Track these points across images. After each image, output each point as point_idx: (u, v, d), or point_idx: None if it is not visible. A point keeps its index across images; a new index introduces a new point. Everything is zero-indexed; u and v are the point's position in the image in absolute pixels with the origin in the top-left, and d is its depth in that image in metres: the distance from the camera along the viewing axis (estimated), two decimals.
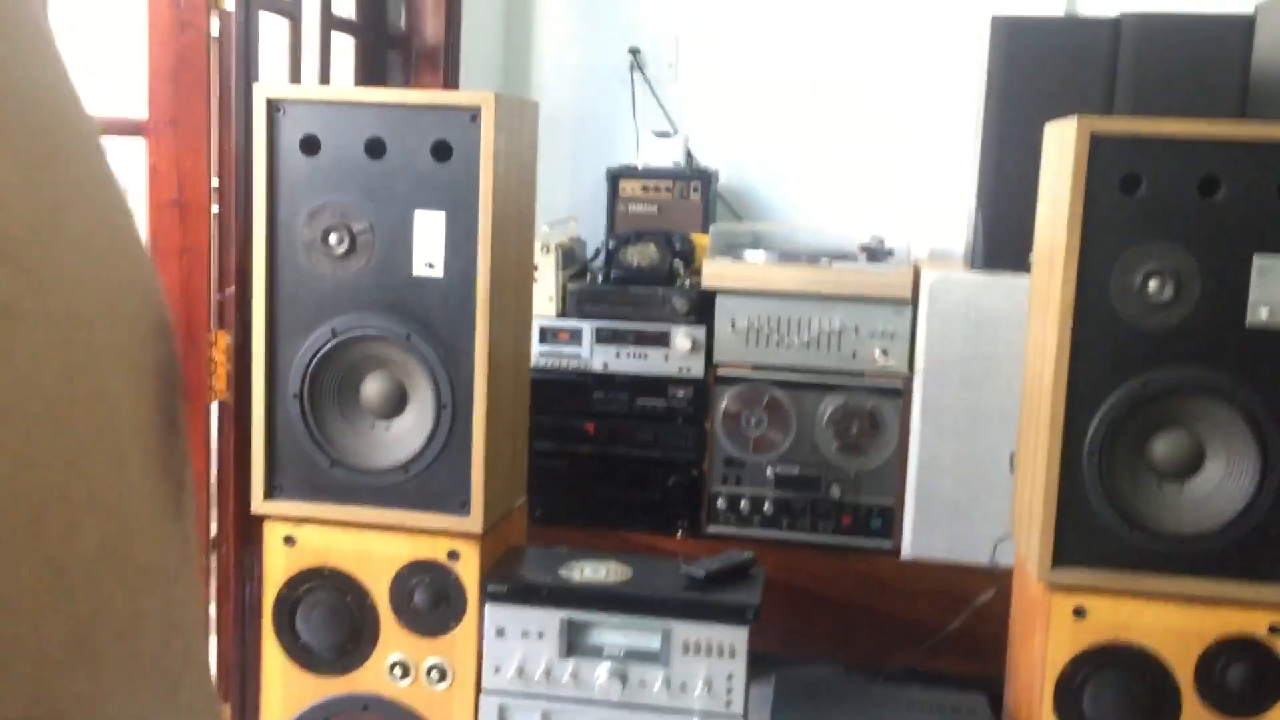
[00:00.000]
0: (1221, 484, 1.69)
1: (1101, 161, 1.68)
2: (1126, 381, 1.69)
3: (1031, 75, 2.37)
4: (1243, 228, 1.67)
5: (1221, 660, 1.70)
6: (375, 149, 1.77)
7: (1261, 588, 1.68)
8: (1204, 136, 1.67)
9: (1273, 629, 1.69)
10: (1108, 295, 1.69)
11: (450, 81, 2.74)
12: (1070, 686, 1.75)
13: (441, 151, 1.76)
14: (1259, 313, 1.67)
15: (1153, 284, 1.68)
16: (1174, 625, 1.71)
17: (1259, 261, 1.67)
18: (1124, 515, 1.70)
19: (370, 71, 2.67)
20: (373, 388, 1.83)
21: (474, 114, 1.74)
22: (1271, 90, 2.34)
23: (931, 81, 2.87)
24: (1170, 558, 1.70)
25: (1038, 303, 1.88)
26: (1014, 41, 2.39)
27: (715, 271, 2.46)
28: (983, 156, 2.45)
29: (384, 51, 2.72)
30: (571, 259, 2.63)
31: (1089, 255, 1.69)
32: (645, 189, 2.77)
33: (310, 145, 1.80)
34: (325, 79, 2.41)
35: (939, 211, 2.81)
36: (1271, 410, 1.66)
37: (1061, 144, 1.75)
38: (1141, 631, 1.72)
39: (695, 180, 2.77)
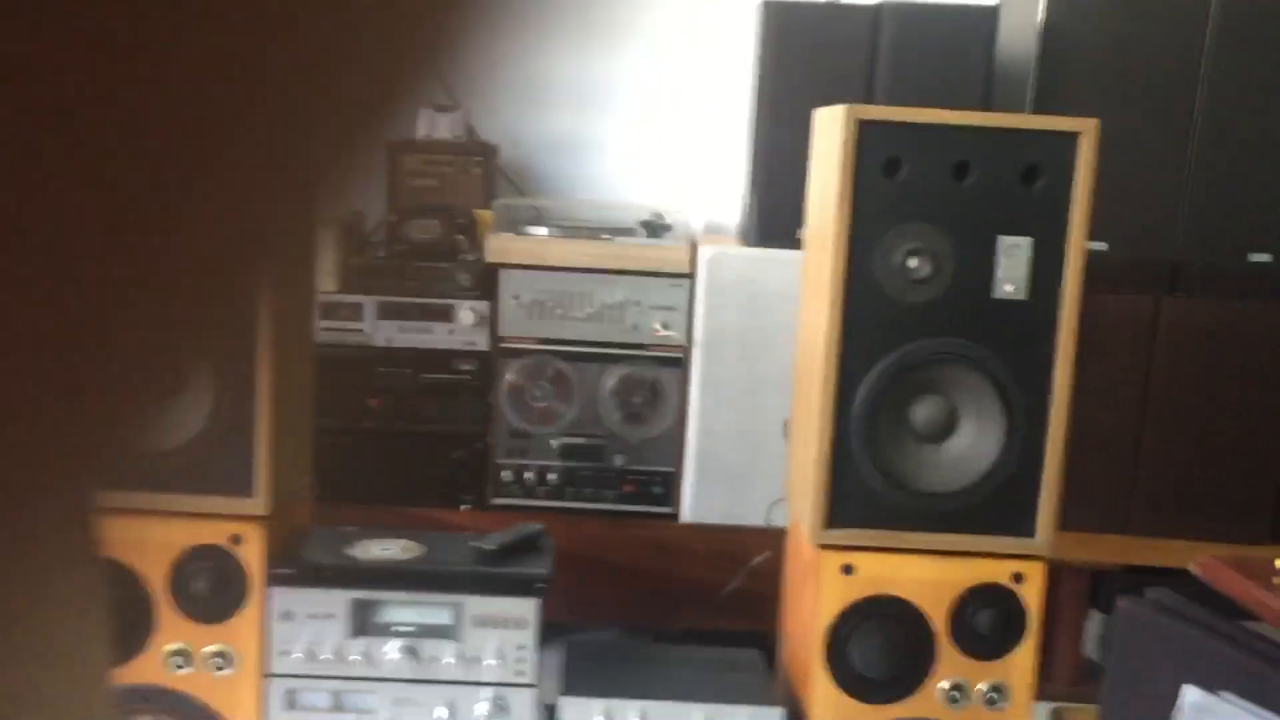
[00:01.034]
0: (973, 445, 1.84)
1: (867, 145, 1.79)
2: (890, 352, 1.81)
3: (799, 57, 2.49)
4: (989, 210, 1.81)
5: (972, 607, 1.86)
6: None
7: (1006, 540, 1.85)
8: (956, 125, 1.81)
9: (1016, 576, 1.86)
10: (873, 272, 1.81)
11: None
12: (839, 637, 1.87)
13: None
14: (1004, 288, 1.82)
15: (913, 262, 1.81)
16: (930, 577, 1.86)
17: (1004, 241, 1.82)
18: (888, 476, 1.83)
19: None
20: None
21: None
22: (1013, 76, 2.53)
23: (708, 58, 2.96)
24: (928, 515, 1.84)
25: (810, 277, 1.99)
26: (782, 25, 2.50)
27: (499, 247, 2.48)
28: (755, 135, 2.55)
29: None
30: (351, 234, 2.58)
31: (856, 235, 1.80)
32: (426, 163, 2.74)
33: None
34: None
35: (716, 186, 2.90)
36: (1015, 376, 1.82)
37: (830, 129, 1.85)
38: (902, 585, 1.86)
39: (477, 154, 2.76)
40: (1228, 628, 1.51)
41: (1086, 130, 1.79)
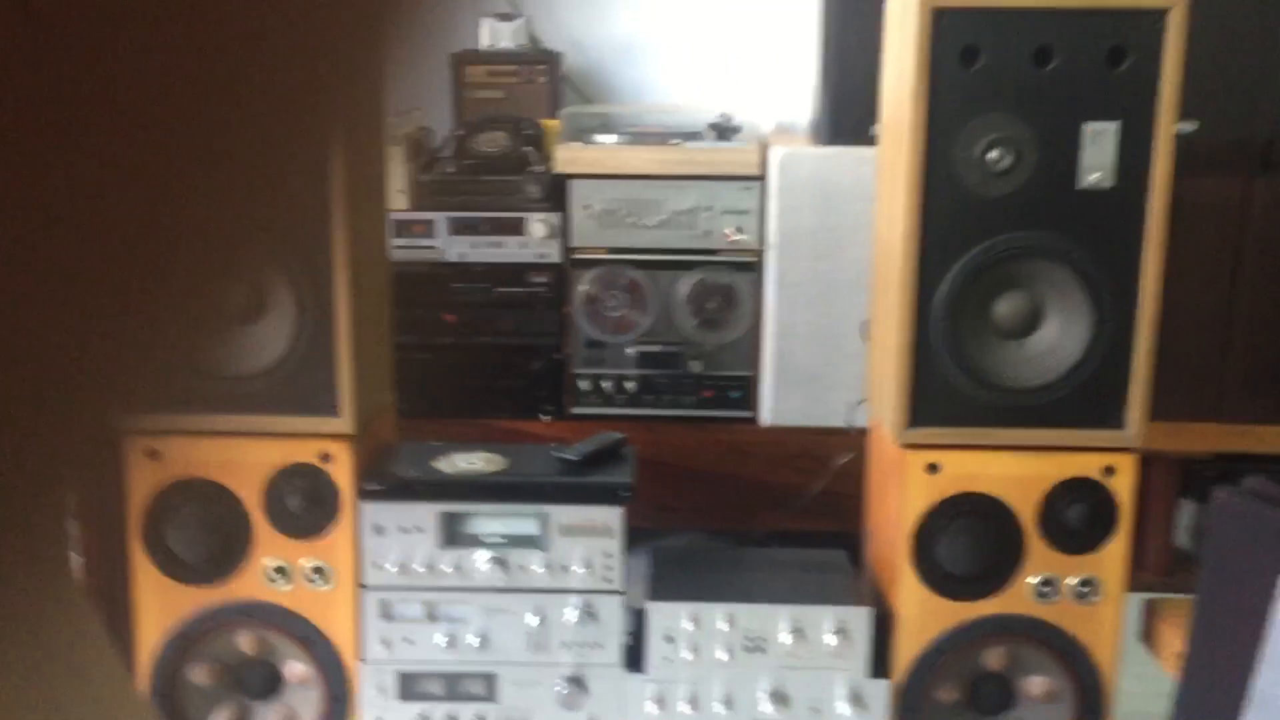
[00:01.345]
0: (1059, 339, 1.80)
1: (942, 35, 1.73)
2: (970, 248, 1.77)
3: None
4: (1073, 95, 1.75)
5: (1061, 502, 1.84)
6: None
7: (1095, 433, 1.81)
8: (1036, 8, 1.73)
9: (1106, 470, 1.83)
10: (952, 166, 1.76)
11: None
12: (926, 537, 1.87)
13: None
14: (1089, 177, 1.77)
15: (993, 154, 1.76)
16: (1018, 473, 1.84)
17: (1088, 127, 1.76)
18: (971, 374, 1.80)
19: None
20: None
21: None
22: None
23: None
24: (1014, 411, 1.81)
25: (885, 173, 1.95)
26: None
27: (567, 157, 2.45)
28: (824, 28, 2.48)
29: None
30: (419, 149, 2.57)
31: (933, 128, 1.75)
32: (491, 73, 2.71)
33: None
34: None
35: (784, 84, 2.84)
36: (1101, 268, 1.77)
37: (903, 18, 1.79)
38: (989, 482, 1.84)
39: (541, 63, 2.72)
40: None
41: (1176, 5, 1.71)
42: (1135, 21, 1.73)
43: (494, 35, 2.79)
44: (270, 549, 1.88)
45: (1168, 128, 1.75)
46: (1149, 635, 1.98)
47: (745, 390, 2.50)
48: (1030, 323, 1.81)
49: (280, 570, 1.88)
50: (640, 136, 2.54)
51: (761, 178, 2.43)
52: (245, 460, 1.85)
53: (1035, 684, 1.92)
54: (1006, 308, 1.80)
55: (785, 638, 1.88)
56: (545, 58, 2.75)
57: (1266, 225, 2.43)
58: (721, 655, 1.89)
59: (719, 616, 1.89)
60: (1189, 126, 2.32)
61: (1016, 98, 1.74)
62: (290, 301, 1.79)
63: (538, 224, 2.44)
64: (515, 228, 2.45)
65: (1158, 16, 1.72)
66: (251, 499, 1.86)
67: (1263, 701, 1.39)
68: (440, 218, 2.46)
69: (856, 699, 1.89)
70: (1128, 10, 1.73)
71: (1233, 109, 2.41)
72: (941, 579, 1.88)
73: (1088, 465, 1.83)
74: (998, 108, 1.75)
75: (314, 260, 1.77)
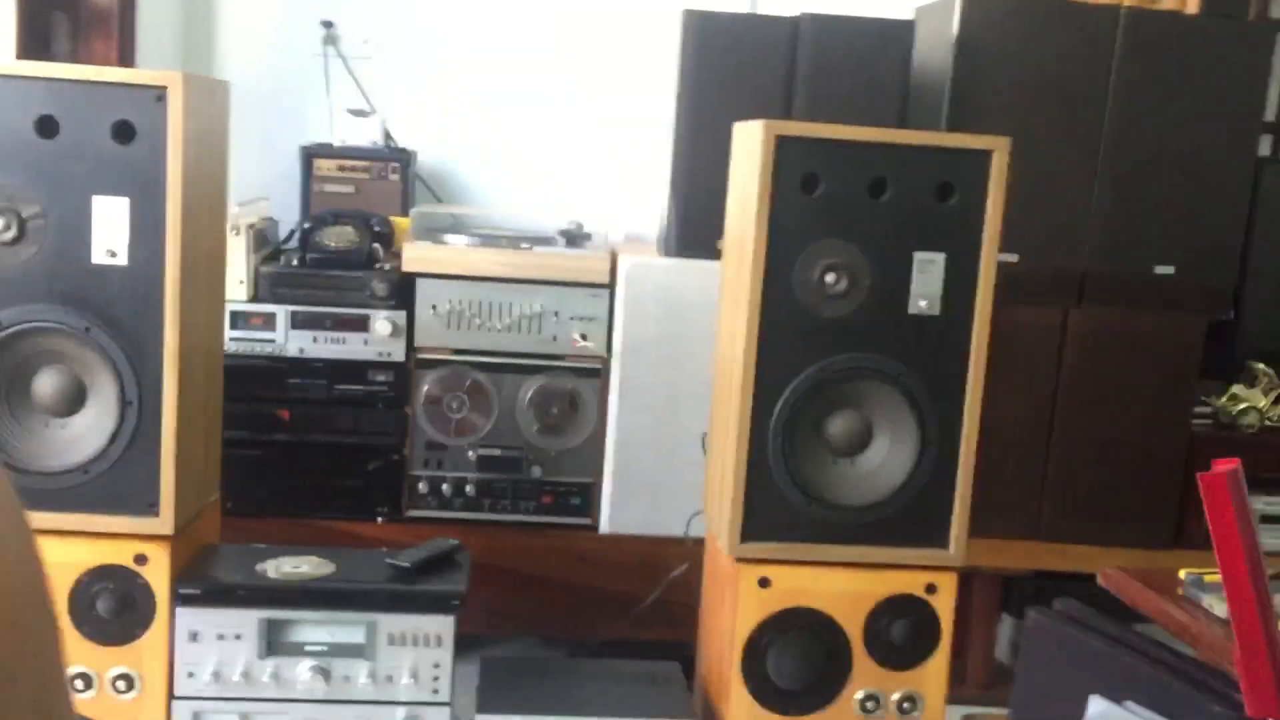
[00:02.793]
0: (887, 459, 1.86)
1: (785, 161, 1.80)
2: (807, 367, 1.82)
3: (720, 67, 2.49)
4: (905, 226, 1.83)
5: (886, 618, 1.88)
6: (47, 128, 1.64)
7: (920, 551, 1.87)
8: (872, 140, 1.82)
9: (929, 587, 1.89)
10: (790, 286, 1.82)
11: (125, 49, 2.56)
12: (756, 649, 1.88)
13: (123, 132, 1.65)
14: (919, 304, 1.85)
15: (829, 277, 1.82)
16: (846, 589, 1.88)
17: (919, 257, 1.84)
18: (804, 490, 1.84)
19: (34, 36, 2.45)
20: (46, 384, 1.71)
21: (159, 94, 1.64)
22: (929, 88, 2.56)
23: (628, 68, 2.95)
24: (844, 528, 1.86)
25: (728, 291, 2.00)
26: (703, 34, 2.50)
27: (416, 255, 2.44)
28: (676, 145, 2.55)
29: (48, 14, 2.50)
30: (264, 240, 2.53)
31: (775, 250, 1.80)
32: (341, 168, 2.70)
33: None
34: None
35: (635, 196, 2.90)
36: (929, 390, 1.85)
37: (749, 144, 1.86)
38: (818, 597, 1.87)
39: (394, 160, 2.72)
40: (1132, 638, 1.54)
41: (999, 148, 1.82)
42: (962, 160, 1.83)
43: (347, 131, 2.78)
44: (75, 657, 1.77)
45: (991, 259, 1.85)
46: None
47: (585, 497, 2.50)
48: (861, 441, 1.87)
49: (84, 678, 1.77)
50: (491, 239, 2.55)
51: (610, 285, 2.47)
52: (51, 561, 1.74)
53: None
54: (839, 426, 1.85)
55: None
56: (398, 155, 2.75)
57: (1081, 352, 2.58)
58: None
59: None
60: (1010, 257, 2.46)
61: (853, 225, 1.82)
62: (112, 393, 1.72)
63: (383, 321, 2.42)
64: (359, 324, 2.42)
65: (983, 156, 1.83)
66: (57, 602, 1.75)
67: None
68: (281, 311, 2.41)
69: None
70: (955, 149, 1.83)
71: (1053, 241, 2.56)
72: (771, 693, 1.89)
73: (912, 582, 1.88)
74: (835, 234, 1.82)
75: (141, 347, 1.71)
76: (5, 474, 0.35)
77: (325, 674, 1.80)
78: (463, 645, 1.88)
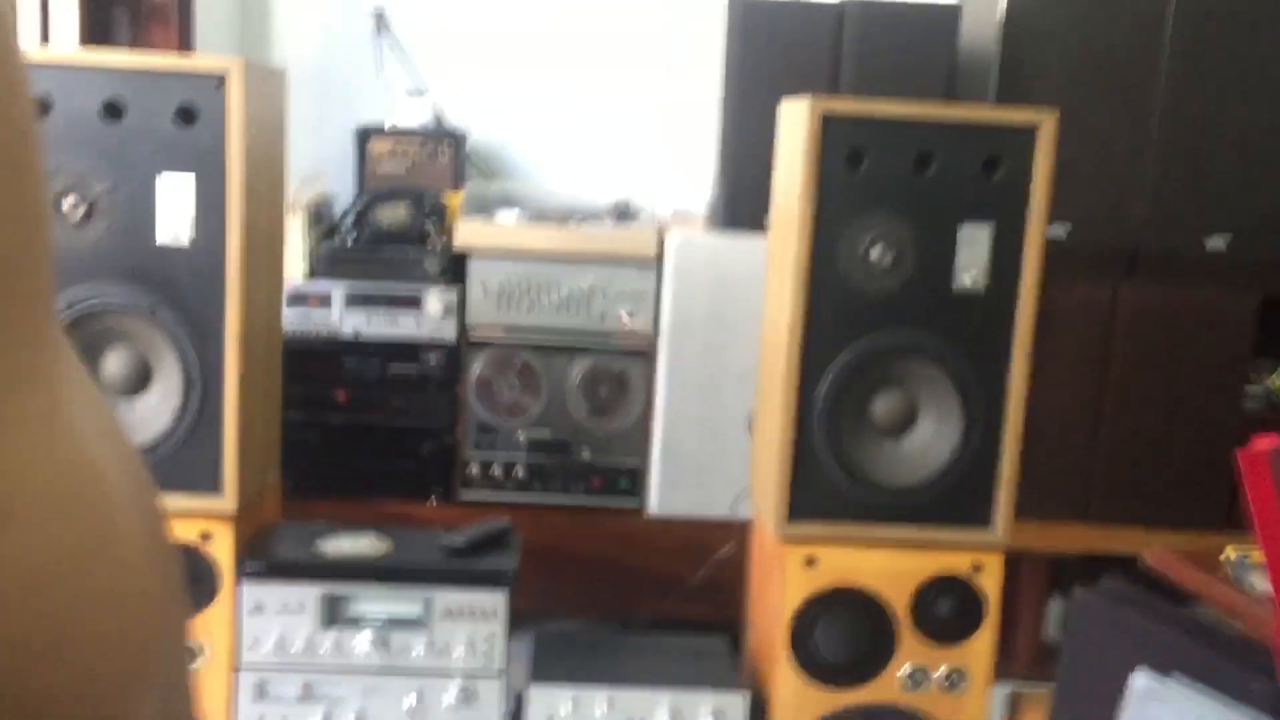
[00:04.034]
0: (932, 439, 1.87)
1: (830, 138, 1.81)
2: (852, 345, 1.84)
3: (765, 52, 2.50)
4: (951, 200, 1.84)
5: (931, 597, 1.90)
6: (113, 111, 1.69)
7: (965, 531, 1.88)
8: (917, 118, 1.83)
9: (975, 567, 1.90)
10: (836, 263, 1.83)
11: (184, 39, 2.62)
12: (803, 627, 1.91)
13: (186, 116, 1.70)
14: (963, 278, 1.85)
15: (875, 252, 1.83)
16: (892, 568, 1.90)
17: (964, 230, 1.85)
18: (849, 471, 1.86)
19: (96, 29, 2.51)
20: (114, 364, 1.77)
21: (220, 80, 1.69)
22: (974, 72, 2.56)
23: (675, 46, 2.96)
24: (889, 508, 1.87)
25: (775, 267, 2.01)
26: (749, 21, 2.51)
27: (468, 232, 2.48)
28: (723, 123, 2.56)
29: (110, 5, 2.56)
30: (320, 218, 2.58)
31: (820, 225, 1.82)
32: (395, 148, 2.74)
33: (38, 108, 1.70)
34: (45, 37, 2.26)
35: (683, 172, 2.92)
36: (974, 370, 1.85)
37: (796, 121, 1.87)
38: (865, 575, 1.89)
39: (446, 140, 2.76)
40: (1177, 615, 1.55)
41: (1045, 122, 1.82)
42: (1008, 134, 1.83)
43: (401, 111, 2.82)
44: None
45: (1038, 233, 1.85)
46: None
47: (634, 480, 2.53)
48: (906, 421, 1.88)
49: None
50: (540, 215, 2.58)
51: (658, 261, 2.49)
52: None
53: None
54: (884, 406, 1.87)
55: None
56: (450, 135, 2.79)
57: (1132, 329, 2.57)
58: None
59: (599, 700, 1.90)
60: (1060, 230, 2.45)
61: (898, 200, 1.83)
62: (176, 373, 1.77)
63: (435, 300, 2.46)
64: (412, 303, 2.47)
65: (1029, 131, 1.82)
66: None
67: None
68: (337, 290, 2.46)
69: None
70: (1001, 124, 1.83)
71: (1103, 216, 2.55)
72: (817, 667, 1.92)
73: (957, 563, 1.89)
74: (880, 208, 1.83)
75: (204, 329, 1.76)
76: (139, 457, 0.38)
77: (384, 645, 1.86)
78: (516, 622, 1.92)
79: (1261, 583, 1.55)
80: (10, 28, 0.32)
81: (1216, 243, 2.56)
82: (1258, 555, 1.52)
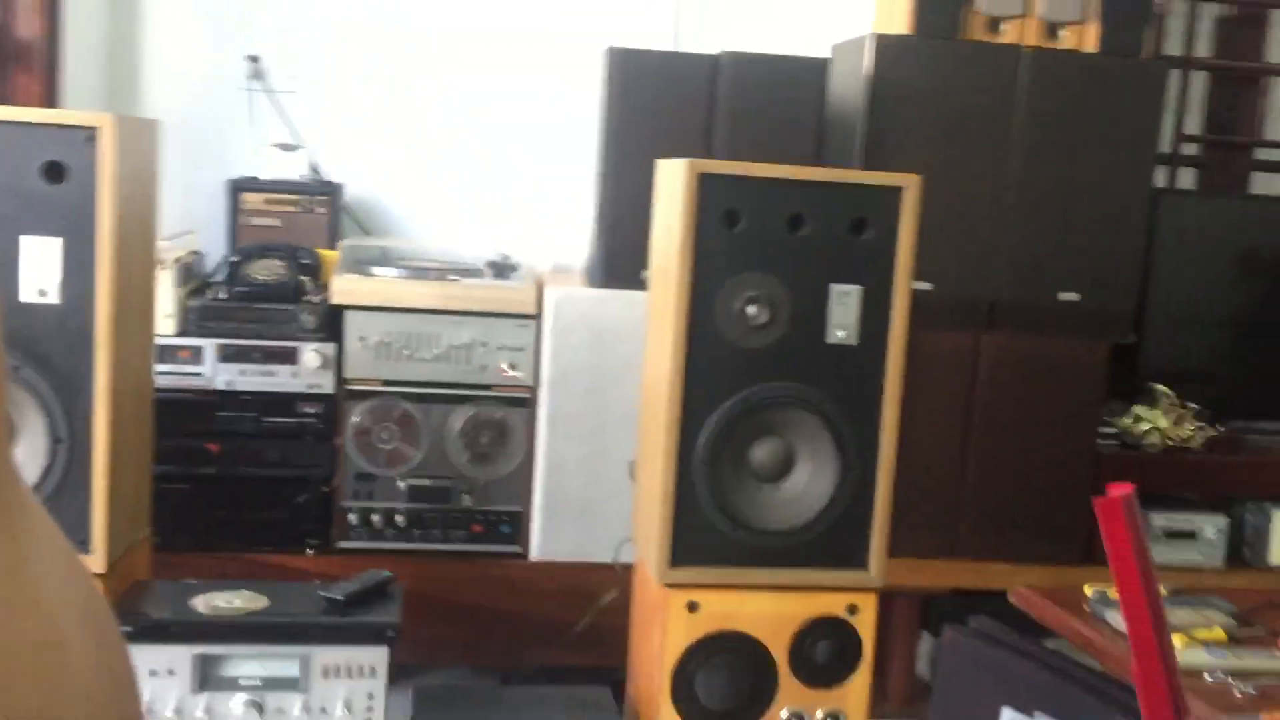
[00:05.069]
0: (809, 484, 1.93)
1: (707, 198, 1.86)
2: (730, 396, 1.89)
3: (643, 102, 2.56)
4: (822, 259, 1.91)
5: (810, 638, 1.95)
6: None
7: (842, 573, 1.94)
8: (790, 178, 1.90)
9: (850, 608, 1.95)
10: (714, 318, 1.88)
11: (50, 83, 2.55)
12: (685, 672, 1.93)
13: (54, 173, 1.66)
14: (836, 334, 1.92)
15: (751, 309, 1.89)
16: (771, 611, 1.94)
17: (835, 289, 1.92)
18: (729, 516, 1.90)
19: None
20: None
21: (90, 134, 1.66)
22: (844, 122, 2.66)
23: (553, 102, 3.00)
24: (768, 552, 1.92)
25: (654, 322, 2.05)
26: (626, 71, 2.57)
27: (344, 288, 2.47)
28: (601, 178, 2.61)
29: None
30: (190, 274, 2.53)
31: (698, 283, 1.87)
32: (269, 202, 2.71)
33: None
34: None
35: (561, 228, 2.94)
36: (848, 417, 1.92)
37: (672, 181, 1.92)
38: (745, 620, 1.93)
39: (321, 194, 2.74)
40: (1040, 653, 1.62)
41: (910, 185, 1.91)
42: (875, 196, 1.91)
43: (274, 164, 2.79)
44: None
45: (904, 289, 1.93)
46: None
47: (515, 525, 2.54)
48: (784, 468, 1.93)
49: None
50: (419, 271, 2.58)
51: (537, 316, 2.51)
52: None
53: None
54: (763, 453, 1.92)
55: None
56: (326, 188, 2.77)
57: (994, 375, 2.68)
58: None
59: None
60: (924, 285, 2.55)
61: (773, 259, 1.89)
62: (42, 432, 1.72)
63: (311, 354, 2.43)
64: (288, 357, 2.44)
65: (895, 193, 1.91)
66: None
67: None
68: (209, 344, 2.41)
69: None
70: (869, 186, 1.91)
71: (965, 270, 2.66)
72: (699, 714, 1.94)
73: (834, 604, 1.94)
74: (756, 267, 1.89)
75: (71, 385, 1.71)
76: (99, 599, 0.39)
77: (259, 708, 1.81)
78: (395, 674, 1.90)
79: (1119, 620, 1.63)
80: None
81: (1070, 295, 2.69)
82: (1115, 593, 1.60)
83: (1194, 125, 3.28)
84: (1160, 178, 3.09)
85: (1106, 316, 2.71)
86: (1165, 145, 3.05)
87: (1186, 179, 3.30)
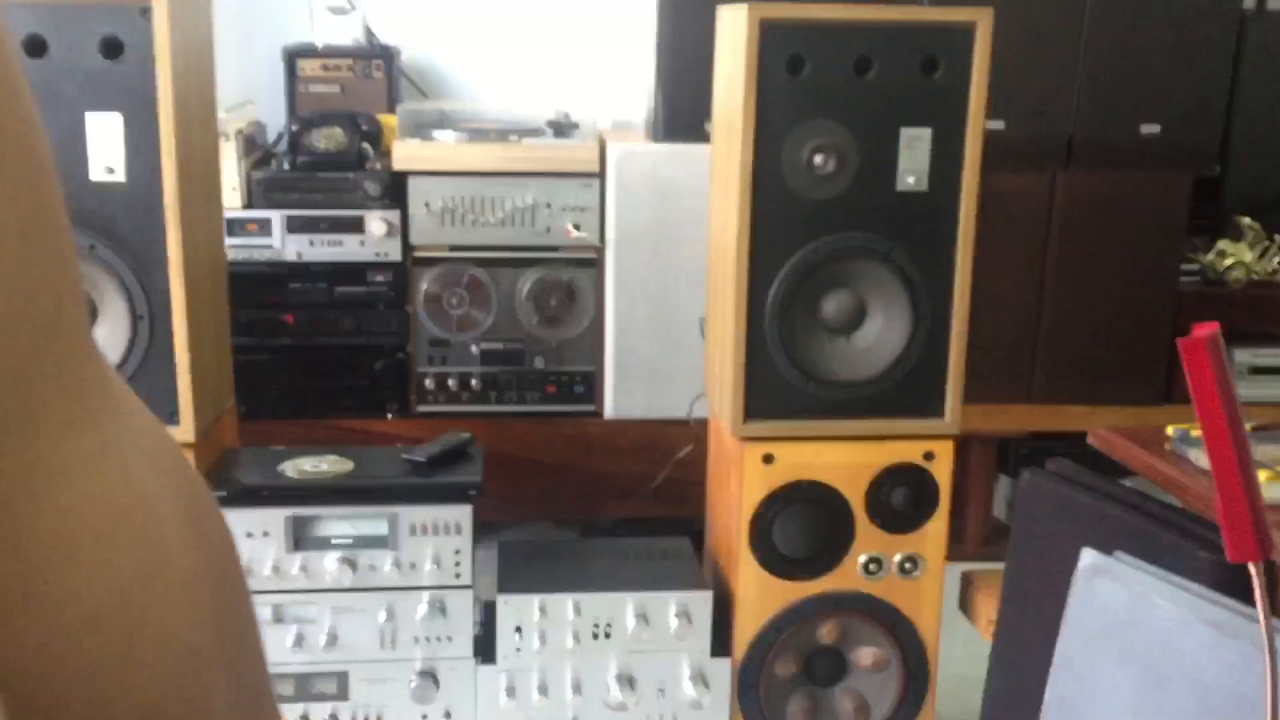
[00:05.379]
0: (882, 334, 1.91)
1: (769, 45, 1.80)
2: (799, 249, 1.86)
3: None
4: (891, 103, 1.85)
5: (886, 486, 1.96)
6: (35, 48, 1.64)
7: (917, 422, 1.93)
8: (856, 21, 1.83)
9: (926, 455, 1.96)
10: (779, 169, 1.84)
11: None
12: (762, 523, 1.96)
13: (112, 49, 1.66)
14: (906, 180, 1.87)
15: (818, 158, 1.85)
16: (846, 461, 1.95)
17: (905, 133, 1.86)
18: (802, 369, 1.90)
19: None
20: None
21: (144, 9, 1.64)
22: None
23: None
24: (842, 403, 1.92)
25: (718, 176, 2.02)
26: None
27: (406, 154, 2.45)
28: (659, 30, 2.54)
29: None
30: (252, 145, 2.53)
31: (762, 133, 1.82)
32: (325, 68, 2.68)
33: None
34: None
35: (621, 83, 2.89)
36: (919, 266, 1.89)
37: (734, 28, 1.86)
38: (820, 469, 1.94)
39: (377, 58, 2.71)
40: (1120, 492, 1.62)
41: (982, 20, 1.83)
42: (946, 34, 1.84)
43: (328, 29, 2.76)
44: None
45: (977, 131, 1.87)
46: (966, 605, 2.12)
47: (589, 385, 2.56)
48: (856, 319, 1.92)
49: None
50: (479, 133, 2.56)
51: (600, 174, 2.48)
52: None
53: (865, 655, 2.03)
54: (833, 305, 1.90)
55: (630, 623, 1.95)
56: (381, 52, 2.73)
57: (1069, 217, 2.61)
58: (569, 643, 1.95)
59: (566, 606, 1.95)
60: (996, 125, 2.48)
61: (839, 105, 1.84)
62: (122, 307, 1.76)
63: (377, 222, 2.44)
64: (355, 226, 2.45)
65: (966, 30, 1.83)
66: None
67: (1064, 664, 1.52)
68: (276, 216, 2.43)
69: (699, 678, 1.97)
70: (939, 24, 1.84)
71: (1039, 108, 2.57)
72: (778, 561, 1.97)
73: (910, 451, 1.95)
74: (822, 114, 1.84)
75: (146, 261, 1.74)
76: (195, 480, 0.40)
77: (352, 565, 1.88)
78: (480, 531, 1.96)
79: (1202, 459, 1.61)
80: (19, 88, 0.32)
81: (1150, 128, 2.60)
82: (1197, 431, 1.58)
83: None
84: None
85: (1189, 148, 2.62)
86: None
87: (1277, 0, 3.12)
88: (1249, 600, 1.03)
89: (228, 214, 2.36)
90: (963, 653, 2.19)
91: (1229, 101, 2.65)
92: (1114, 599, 1.45)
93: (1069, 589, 1.54)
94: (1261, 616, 0.93)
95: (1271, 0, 3.08)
